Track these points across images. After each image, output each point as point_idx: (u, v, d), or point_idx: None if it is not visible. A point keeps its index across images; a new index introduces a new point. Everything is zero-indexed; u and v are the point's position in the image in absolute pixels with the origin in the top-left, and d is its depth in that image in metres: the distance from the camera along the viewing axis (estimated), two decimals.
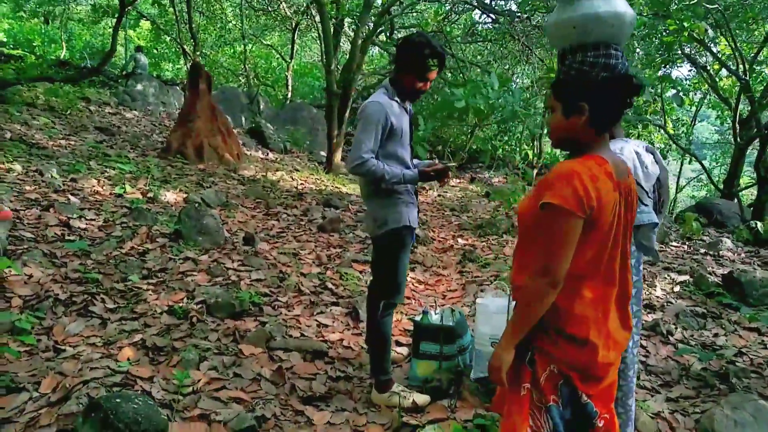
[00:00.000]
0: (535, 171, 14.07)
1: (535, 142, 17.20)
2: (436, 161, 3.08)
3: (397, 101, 2.89)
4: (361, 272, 4.86)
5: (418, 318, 3.38)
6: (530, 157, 16.64)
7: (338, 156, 10.39)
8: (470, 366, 3.24)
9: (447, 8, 11.17)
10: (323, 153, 12.85)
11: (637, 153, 2.63)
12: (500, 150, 14.87)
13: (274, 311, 3.96)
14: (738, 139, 12.18)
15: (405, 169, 2.88)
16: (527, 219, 1.82)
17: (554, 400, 1.75)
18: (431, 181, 3.09)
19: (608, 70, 1.72)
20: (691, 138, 17.96)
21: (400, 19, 12.86)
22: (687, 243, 7.12)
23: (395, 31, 11.24)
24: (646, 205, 2.60)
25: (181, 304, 3.77)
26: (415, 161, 3.11)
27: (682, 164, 18.51)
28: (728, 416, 3.11)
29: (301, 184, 8.69)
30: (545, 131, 16.07)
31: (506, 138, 16.55)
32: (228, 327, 3.61)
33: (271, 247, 5.25)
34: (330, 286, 4.49)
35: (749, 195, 13.60)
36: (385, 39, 12.37)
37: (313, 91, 21.95)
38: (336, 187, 8.98)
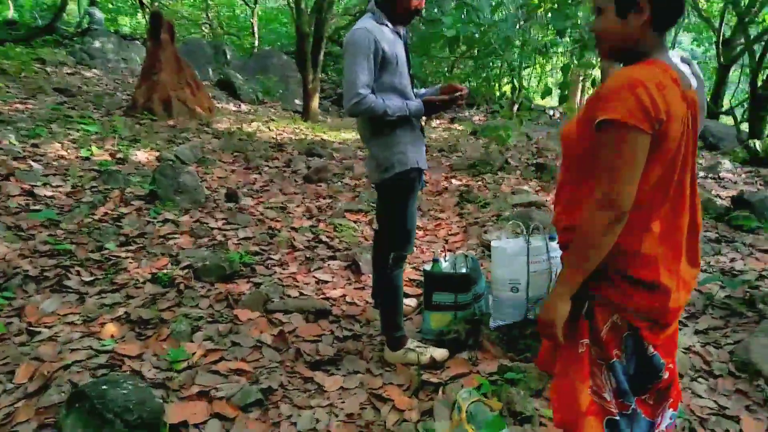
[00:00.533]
0: (516, 107, 13.72)
1: (514, 76, 16.78)
2: (450, 85, 2.69)
3: (387, 26, 2.51)
4: (355, 222, 4.55)
5: (428, 267, 3.10)
6: (510, 92, 16.25)
7: (315, 103, 9.90)
8: (487, 313, 3.00)
9: None
10: (298, 101, 12.31)
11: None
12: (480, 87, 14.41)
13: (267, 270, 3.66)
14: (721, 60, 11.93)
15: (407, 101, 2.54)
16: (577, 145, 1.51)
17: (617, 356, 1.49)
18: (439, 112, 2.73)
19: None
20: None
21: None
22: None
23: None
24: None
25: (165, 271, 3.45)
26: (421, 90, 2.77)
27: None
28: (764, 345, 2.93)
29: (279, 134, 8.26)
30: (523, 65, 15.62)
31: (485, 74, 16.06)
32: (220, 292, 3.31)
33: (256, 202, 4.90)
34: (324, 239, 4.18)
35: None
36: None
37: (280, 38, 21.03)
38: (316, 135, 8.57)
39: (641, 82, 1.32)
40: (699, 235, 1.58)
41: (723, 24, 11.67)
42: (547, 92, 6.41)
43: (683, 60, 2.41)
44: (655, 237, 1.44)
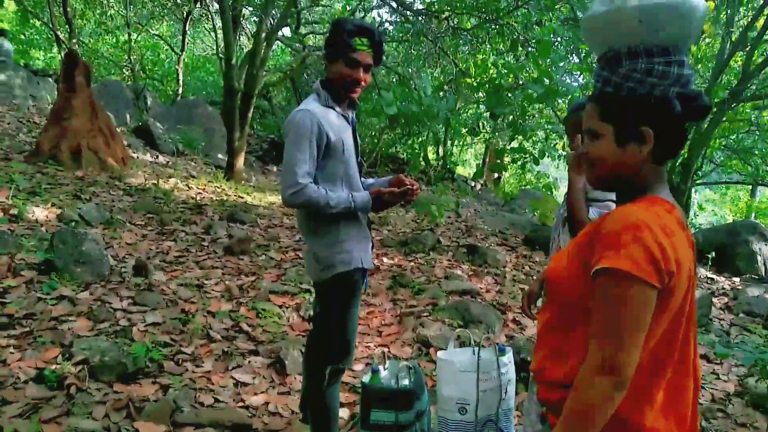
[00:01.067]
0: (441, 178, 13.91)
1: (440, 147, 17.11)
2: (398, 178, 2.47)
3: (334, 109, 2.28)
4: (281, 306, 4.15)
5: (366, 378, 2.76)
6: (437, 162, 16.52)
7: (240, 161, 9.47)
8: None
9: (355, 4, 10.53)
10: (221, 156, 11.82)
11: None
12: (404, 154, 14.54)
13: (177, 368, 3.18)
14: None
15: (353, 192, 2.28)
16: (570, 288, 1.30)
17: None
18: (388, 208, 2.48)
19: (682, 85, 1.24)
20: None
21: (306, 14, 12.14)
22: None
23: (301, 26, 10.51)
24: None
25: (54, 367, 2.91)
26: (369, 180, 2.52)
27: None
28: None
29: (199, 193, 7.76)
30: (450, 135, 15.98)
31: (410, 141, 16.27)
32: (119, 397, 2.81)
33: (168, 277, 4.40)
34: (246, 327, 3.75)
35: None
36: (291, 33, 11.54)
37: (206, 86, 20.56)
38: (239, 196, 8.13)
39: (647, 225, 1.15)
40: (698, 398, 1.39)
41: None
42: (479, 174, 6.38)
43: None
44: (658, 408, 1.24)
